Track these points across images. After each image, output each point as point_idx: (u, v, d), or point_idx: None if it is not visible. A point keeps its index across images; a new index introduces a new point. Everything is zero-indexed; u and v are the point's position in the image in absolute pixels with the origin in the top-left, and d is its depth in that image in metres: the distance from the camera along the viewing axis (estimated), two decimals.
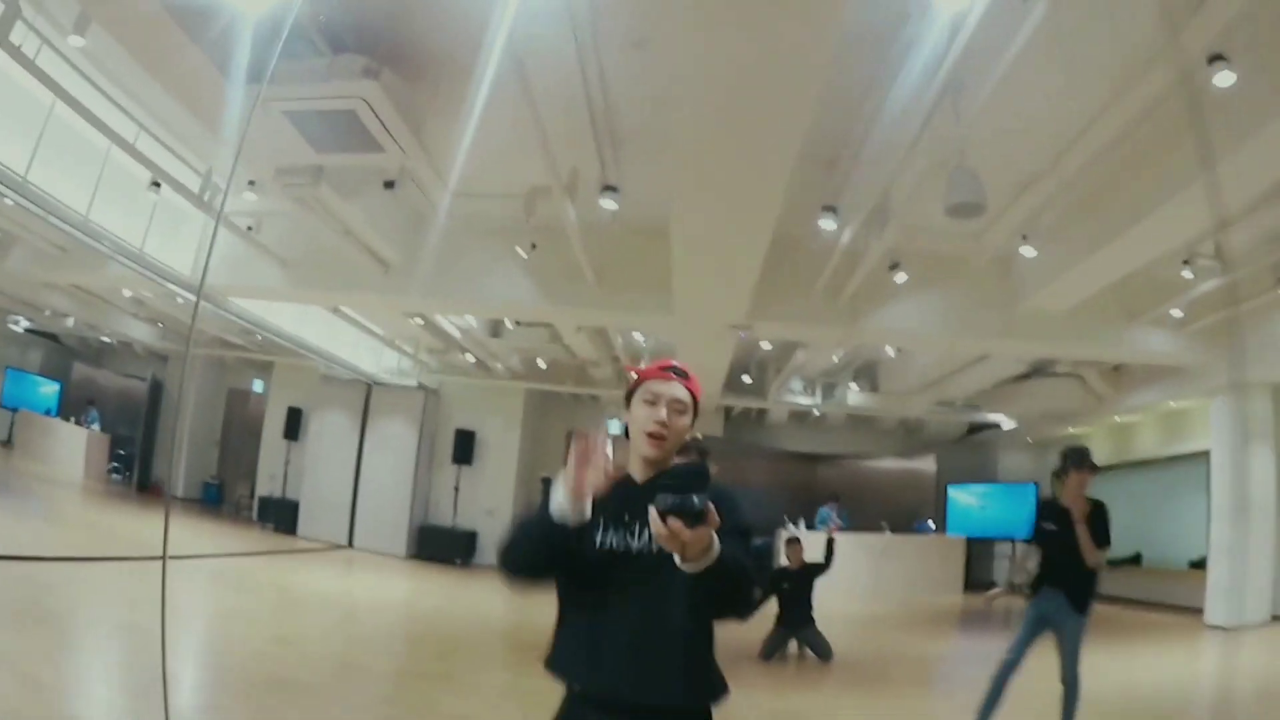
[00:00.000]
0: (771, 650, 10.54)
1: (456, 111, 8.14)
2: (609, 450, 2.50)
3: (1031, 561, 6.72)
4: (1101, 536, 6.32)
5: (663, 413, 2.64)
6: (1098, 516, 6.33)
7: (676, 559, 2.18)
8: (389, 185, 9.36)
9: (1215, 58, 6.37)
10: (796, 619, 10.75)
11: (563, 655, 2.68)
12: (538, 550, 2.56)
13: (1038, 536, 6.62)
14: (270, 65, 6.37)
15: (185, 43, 6.85)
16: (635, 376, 2.79)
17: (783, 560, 11.39)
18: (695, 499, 2.10)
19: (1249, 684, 9.72)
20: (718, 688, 2.58)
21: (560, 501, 2.45)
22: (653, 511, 2.13)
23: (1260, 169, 7.49)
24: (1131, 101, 7.43)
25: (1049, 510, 6.56)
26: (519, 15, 6.45)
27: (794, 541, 11.29)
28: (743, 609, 2.40)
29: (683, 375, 2.73)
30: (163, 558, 5.69)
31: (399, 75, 7.70)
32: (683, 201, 8.45)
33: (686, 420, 2.69)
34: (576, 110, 8.11)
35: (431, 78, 7.99)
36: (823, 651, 10.58)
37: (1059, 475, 6.60)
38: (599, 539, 2.59)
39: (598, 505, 2.53)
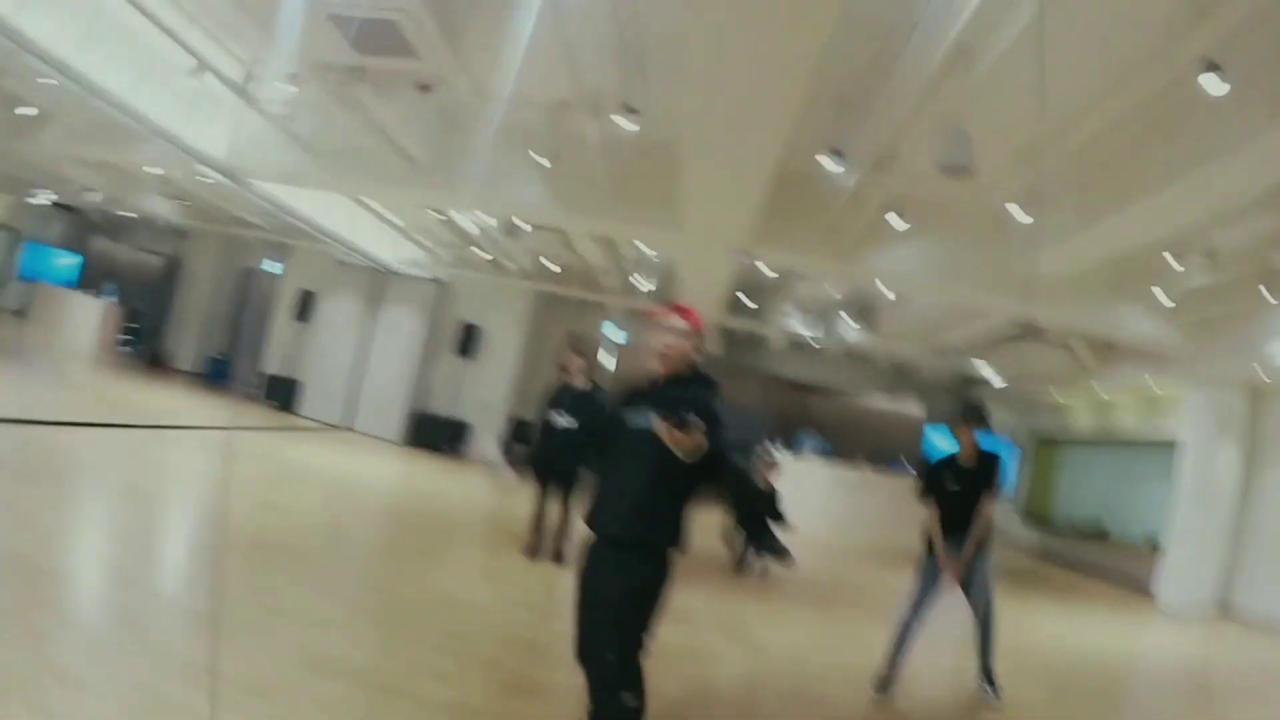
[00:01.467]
0: (741, 559, 11.01)
1: (493, 23, 8.52)
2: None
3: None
4: (996, 486, 6.56)
5: (662, 338, 3.83)
6: (992, 468, 6.57)
7: (677, 452, 3.36)
8: (424, 89, 9.73)
9: (1211, 66, 6.48)
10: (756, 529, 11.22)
11: (590, 507, 3.81)
12: None
13: (936, 493, 6.68)
14: None
15: None
16: (649, 314, 4.05)
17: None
18: (686, 415, 3.28)
19: (1180, 665, 10.24)
20: (669, 536, 3.69)
21: None
22: (658, 419, 3.36)
23: (1252, 174, 7.69)
24: (1135, 88, 7.59)
25: (944, 466, 6.70)
26: None
27: (771, 464, 11.72)
28: (738, 494, 3.70)
29: (682, 310, 3.91)
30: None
31: None
32: (695, 122, 8.65)
33: (682, 342, 3.84)
34: (604, 30, 8.40)
35: None
36: (782, 552, 11.03)
37: (954, 428, 6.79)
38: (623, 414, 3.78)
39: (634, 397, 3.83)
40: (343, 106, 10.41)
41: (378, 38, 8.42)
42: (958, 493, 6.53)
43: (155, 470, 9.92)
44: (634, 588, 3.63)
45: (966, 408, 6.79)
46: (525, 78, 9.79)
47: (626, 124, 9.66)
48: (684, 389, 3.74)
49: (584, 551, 3.81)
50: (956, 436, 6.70)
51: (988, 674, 6.64)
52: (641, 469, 3.61)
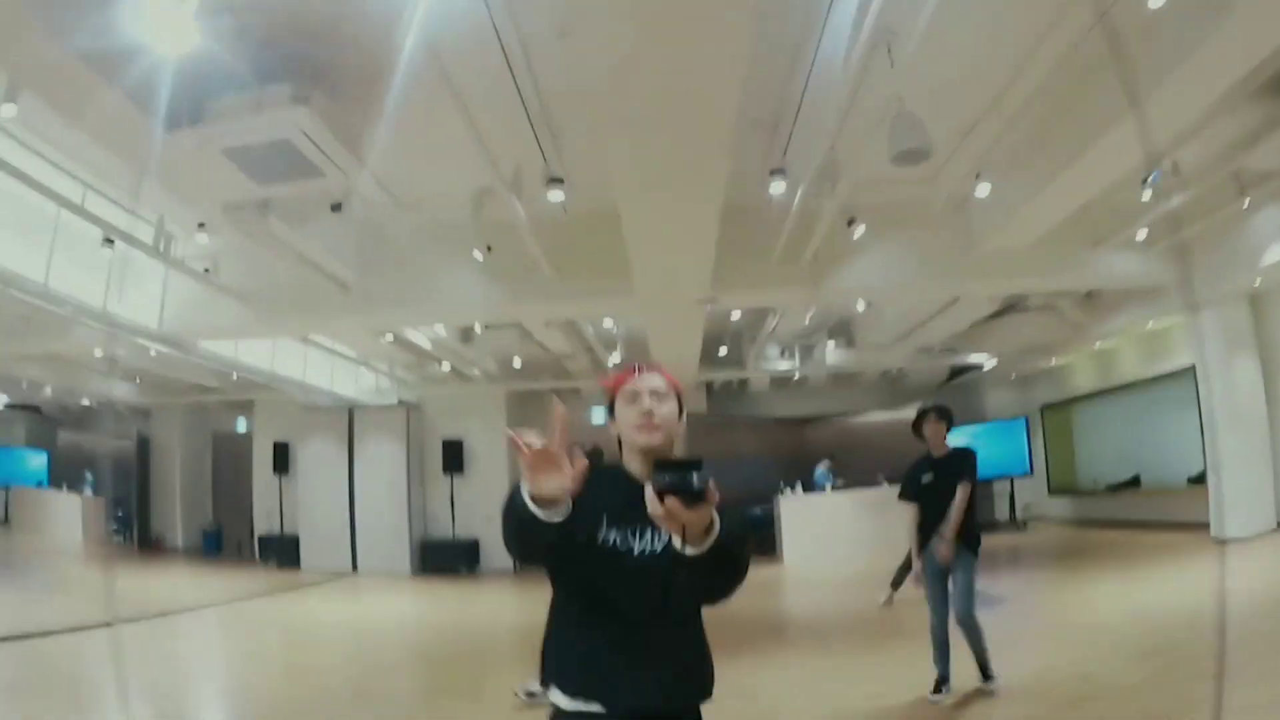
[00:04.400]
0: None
1: (391, 123, 8.05)
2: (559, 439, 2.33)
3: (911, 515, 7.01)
4: (968, 476, 6.80)
5: (646, 402, 2.57)
6: (964, 460, 6.83)
7: (677, 542, 2.13)
8: (336, 208, 9.30)
9: None
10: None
11: (576, 671, 2.49)
12: (529, 541, 2.35)
13: (916, 492, 6.99)
14: (214, 104, 6.36)
15: (106, 90, 6.68)
16: (608, 388, 2.73)
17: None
18: (694, 477, 2.03)
19: (1260, 593, 9.54)
20: (710, 684, 2.59)
21: (527, 503, 2.26)
22: (649, 490, 2.07)
23: (1203, 84, 7.36)
24: (1065, 31, 7.31)
25: (922, 465, 6.99)
26: (435, 20, 6.34)
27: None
28: (731, 592, 2.33)
29: (652, 368, 2.68)
30: None
31: (328, 97, 7.59)
32: (627, 186, 8.26)
33: (671, 406, 2.61)
34: (511, 107, 7.97)
35: (360, 94, 7.82)
36: None
37: (919, 430, 7.04)
38: (601, 535, 2.51)
39: (600, 502, 2.46)
40: (261, 245, 9.92)
41: (277, 163, 7.95)
42: (931, 485, 6.84)
43: (170, 661, 9.53)
44: None
45: (927, 407, 7.09)
46: (439, 172, 9.43)
47: (556, 196, 9.27)
48: (675, 461, 2.18)
49: None
50: (923, 434, 7.00)
51: (984, 668, 6.77)
52: (663, 606, 2.45)
